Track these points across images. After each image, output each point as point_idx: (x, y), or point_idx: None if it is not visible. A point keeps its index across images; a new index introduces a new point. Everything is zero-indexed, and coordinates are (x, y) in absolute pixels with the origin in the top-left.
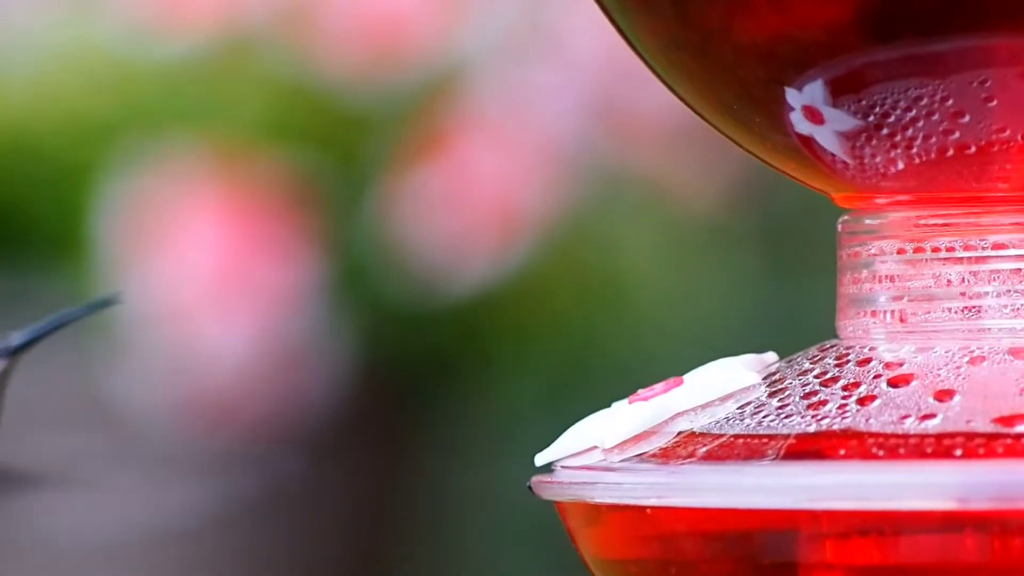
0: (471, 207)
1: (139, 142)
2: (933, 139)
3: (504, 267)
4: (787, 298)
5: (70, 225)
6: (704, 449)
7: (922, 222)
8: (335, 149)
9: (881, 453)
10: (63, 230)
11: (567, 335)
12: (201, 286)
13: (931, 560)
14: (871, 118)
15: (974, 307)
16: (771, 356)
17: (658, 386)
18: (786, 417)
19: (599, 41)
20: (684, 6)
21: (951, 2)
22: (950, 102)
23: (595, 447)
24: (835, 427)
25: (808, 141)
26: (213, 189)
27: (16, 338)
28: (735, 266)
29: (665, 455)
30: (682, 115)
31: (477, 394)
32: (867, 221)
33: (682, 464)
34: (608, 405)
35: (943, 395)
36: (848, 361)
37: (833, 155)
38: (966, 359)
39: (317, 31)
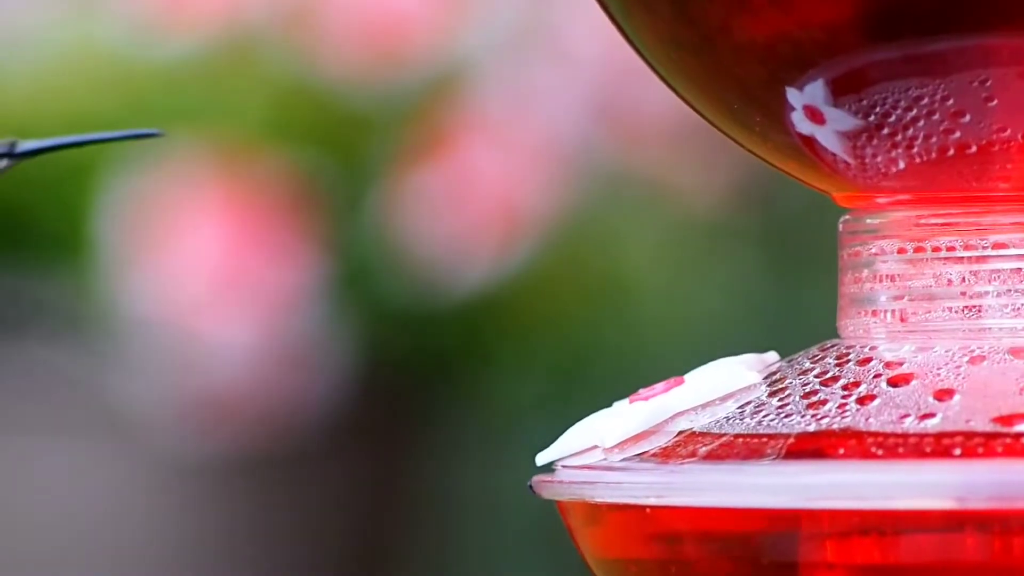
0: (473, 207)
1: (141, 142)
2: (934, 139)
3: (506, 267)
4: (788, 297)
5: (72, 225)
6: (704, 448)
7: (923, 221)
8: (337, 149)
9: (880, 452)
10: (65, 230)
11: (569, 335)
12: (202, 286)
13: (932, 560)
14: (872, 118)
15: (974, 307)
16: (772, 356)
17: (659, 385)
18: (786, 416)
19: (601, 41)
20: (685, 5)
21: (952, 2)
22: (951, 102)
23: (596, 446)
24: (835, 426)
25: (809, 141)
26: (215, 189)
27: (27, 145)
28: (736, 265)
29: (665, 454)
30: (684, 115)
31: (479, 394)
32: (868, 221)
33: (682, 463)
34: (610, 404)
35: (943, 394)
36: (848, 360)
37: (834, 155)
38: (966, 359)
39: (319, 31)
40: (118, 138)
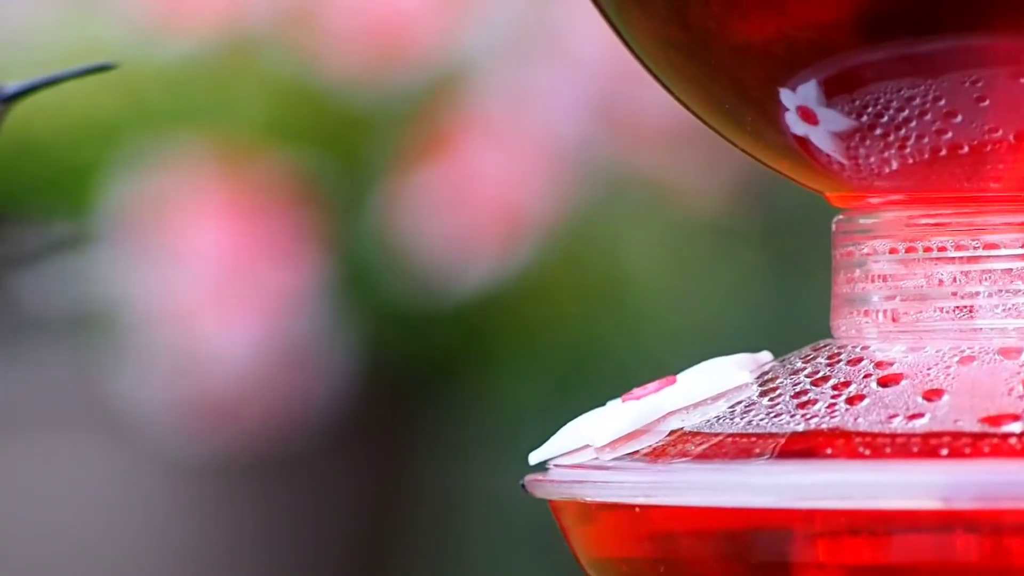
0: (474, 207)
1: (142, 142)
2: (926, 139)
3: (507, 267)
4: (789, 298)
5: (72, 224)
6: (694, 448)
7: (914, 222)
8: (337, 149)
9: (867, 452)
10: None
11: (570, 335)
12: (204, 286)
13: (923, 560)
14: (864, 118)
15: (966, 307)
16: (766, 355)
17: (652, 385)
18: (775, 416)
19: (602, 42)
20: (678, 6)
21: (943, 2)
22: (942, 102)
23: (587, 445)
24: (823, 426)
25: (802, 141)
26: (215, 189)
27: (11, 87)
28: (737, 266)
29: (655, 454)
30: (685, 116)
31: (480, 394)
32: (861, 220)
33: (671, 463)
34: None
35: (932, 395)
36: (839, 360)
37: (827, 155)
38: (956, 359)
39: (320, 31)
40: (78, 74)
